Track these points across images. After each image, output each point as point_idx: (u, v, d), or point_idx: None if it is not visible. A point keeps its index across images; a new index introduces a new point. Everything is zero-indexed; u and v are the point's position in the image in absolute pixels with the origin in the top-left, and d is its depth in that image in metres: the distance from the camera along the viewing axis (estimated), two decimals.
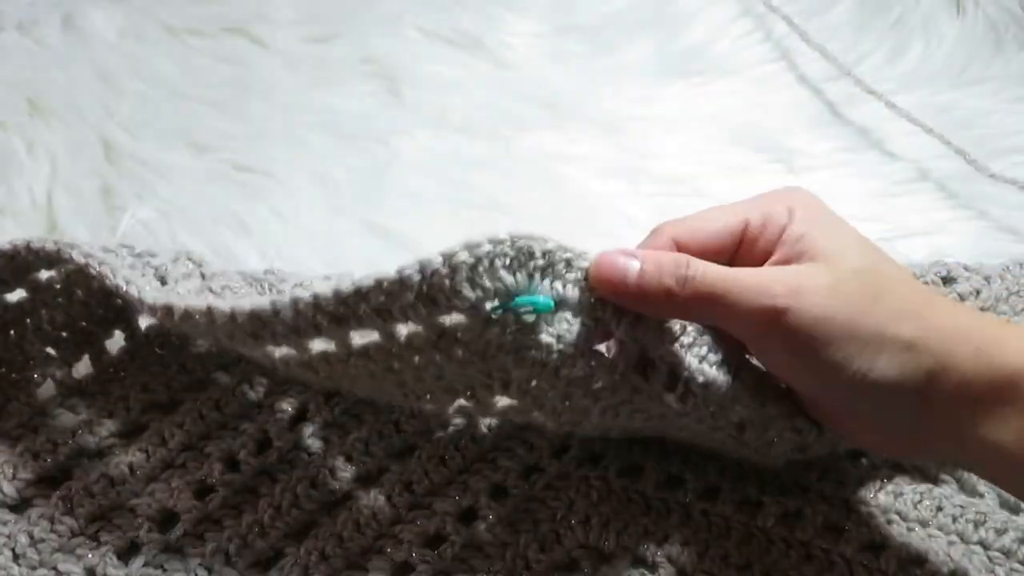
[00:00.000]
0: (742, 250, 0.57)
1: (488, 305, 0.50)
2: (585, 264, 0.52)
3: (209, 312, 0.52)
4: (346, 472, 0.65)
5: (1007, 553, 0.64)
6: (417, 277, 0.49)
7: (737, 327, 0.53)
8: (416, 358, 0.53)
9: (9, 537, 0.61)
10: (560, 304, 0.52)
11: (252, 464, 0.64)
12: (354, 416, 0.67)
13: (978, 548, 0.64)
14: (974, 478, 0.67)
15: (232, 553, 0.62)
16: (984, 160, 0.87)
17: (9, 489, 0.62)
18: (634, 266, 0.51)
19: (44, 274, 0.65)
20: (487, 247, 0.49)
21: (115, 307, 0.67)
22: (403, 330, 0.51)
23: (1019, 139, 0.90)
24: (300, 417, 0.67)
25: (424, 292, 0.49)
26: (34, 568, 0.60)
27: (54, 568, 0.60)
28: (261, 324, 0.51)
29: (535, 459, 0.66)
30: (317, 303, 0.50)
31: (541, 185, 0.84)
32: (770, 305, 0.51)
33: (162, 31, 0.92)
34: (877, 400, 0.53)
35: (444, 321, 0.51)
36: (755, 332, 0.53)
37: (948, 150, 0.87)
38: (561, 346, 0.52)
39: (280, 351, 0.53)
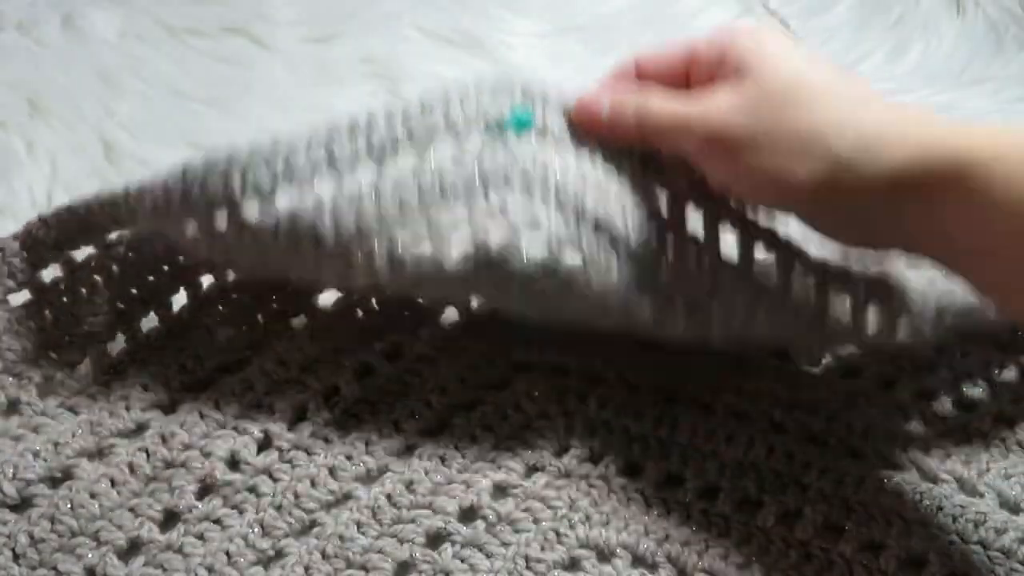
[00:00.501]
0: (692, 75, 0.62)
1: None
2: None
3: None
4: (347, 471, 0.65)
5: (1007, 553, 0.64)
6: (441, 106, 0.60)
7: (683, 151, 0.60)
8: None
9: (9, 537, 0.61)
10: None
11: (253, 463, 0.64)
12: (354, 416, 0.67)
13: (978, 548, 0.64)
14: (974, 478, 0.67)
15: (234, 552, 0.62)
16: None
17: (10, 489, 0.62)
18: (605, 103, 0.61)
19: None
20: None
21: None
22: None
23: None
24: (300, 417, 0.67)
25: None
26: (34, 568, 0.60)
27: (54, 568, 0.60)
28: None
29: (536, 458, 0.66)
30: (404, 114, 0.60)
31: None
32: (685, 127, 0.58)
33: (162, 31, 0.92)
34: (816, 201, 0.56)
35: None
36: (693, 155, 0.59)
37: None
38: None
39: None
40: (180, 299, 0.72)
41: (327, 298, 0.73)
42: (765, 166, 0.56)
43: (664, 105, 0.59)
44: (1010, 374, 0.72)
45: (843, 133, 0.54)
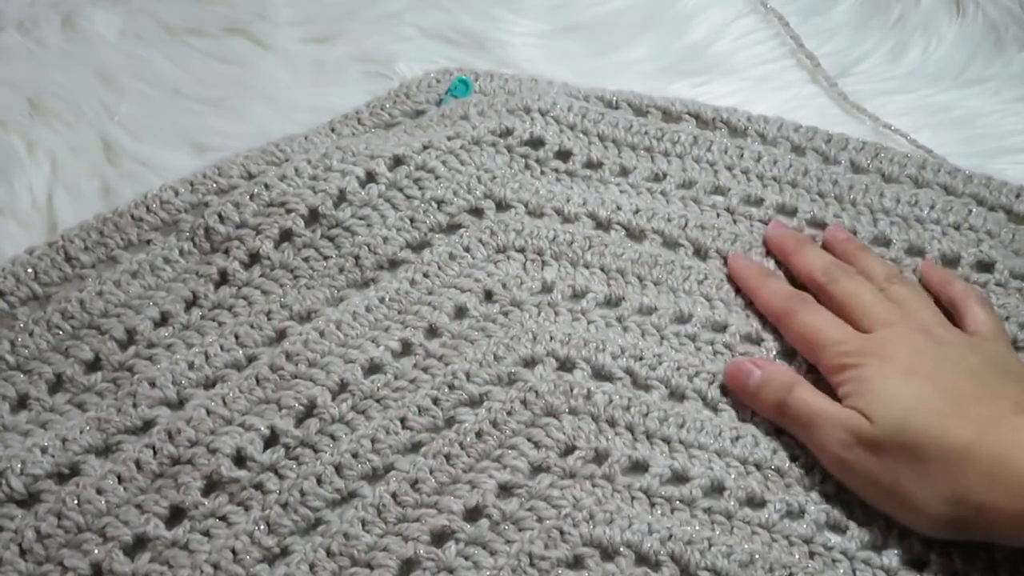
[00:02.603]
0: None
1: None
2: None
3: None
4: (353, 469, 0.65)
5: (1008, 557, 0.64)
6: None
7: (816, 451, 0.66)
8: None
9: (16, 532, 0.61)
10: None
11: (259, 460, 0.64)
12: (361, 412, 0.67)
13: (979, 551, 0.64)
14: None
15: (239, 550, 0.62)
16: (984, 160, 0.87)
17: (17, 484, 0.62)
18: (756, 374, 0.68)
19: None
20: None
21: None
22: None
23: (1019, 139, 0.90)
24: (307, 413, 0.67)
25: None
26: (40, 563, 0.60)
27: (60, 564, 0.60)
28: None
29: (541, 458, 0.66)
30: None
31: None
32: (828, 445, 0.64)
33: (162, 31, 0.92)
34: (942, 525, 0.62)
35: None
36: (827, 463, 0.66)
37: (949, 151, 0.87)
38: None
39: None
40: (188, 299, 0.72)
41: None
42: (898, 491, 0.62)
43: (808, 399, 0.66)
44: None
45: (969, 485, 0.59)
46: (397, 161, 0.77)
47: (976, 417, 0.60)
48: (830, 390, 0.67)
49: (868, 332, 0.68)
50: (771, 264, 0.77)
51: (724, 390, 0.70)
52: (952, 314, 0.72)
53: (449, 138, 0.79)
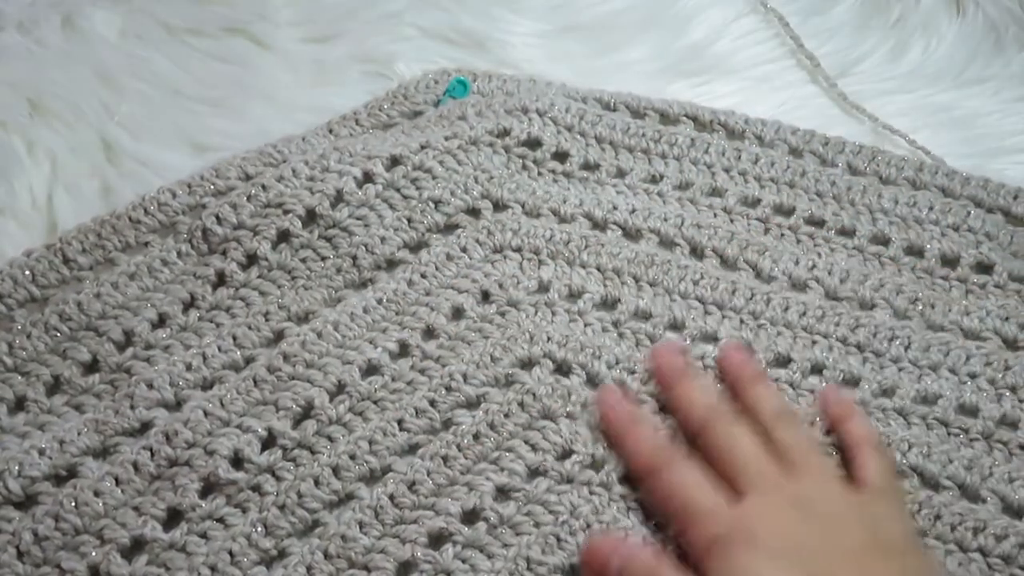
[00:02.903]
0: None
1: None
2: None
3: None
4: (350, 471, 0.65)
5: (1007, 559, 0.64)
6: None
7: None
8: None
9: (13, 534, 0.61)
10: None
11: (256, 462, 0.64)
12: (358, 414, 0.67)
13: (977, 555, 0.64)
14: (977, 482, 0.67)
15: (236, 552, 0.62)
16: (984, 160, 0.87)
17: (14, 486, 0.62)
18: (614, 562, 0.60)
19: None
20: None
21: None
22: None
23: (1019, 139, 0.90)
24: (304, 415, 0.67)
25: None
26: (38, 566, 0.60)
27: (58, 566, 0.60)
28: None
29: (538, 461, 0.66)
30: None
31: None
32: None
33: (162, 31, 0.92)
34: None
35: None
36: None
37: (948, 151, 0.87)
38: None
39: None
40: (186, 300, 0.72)
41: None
42: None
43: None
44: (1013, 375, 0.72)
45: None
46: (394, 161, 0.77)
47: None
48: None
49: (741, 493, 0.61)
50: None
51: None
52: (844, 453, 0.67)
53: (447, 138, 0.79)
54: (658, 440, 0.66)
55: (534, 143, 0.81)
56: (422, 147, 0.78)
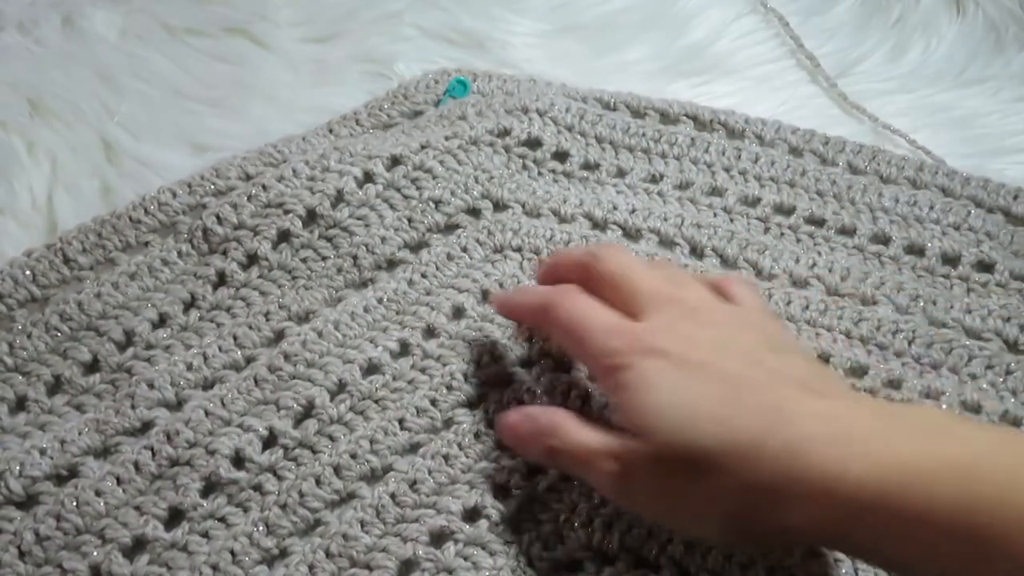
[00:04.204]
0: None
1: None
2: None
3: None
4: (352, 470, 0.65)
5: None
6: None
7: (597, 490, 0.62)
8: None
9: (15, 534, 0.61)
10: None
11: (258, 461, 0.64)
12: (359, 413, 0.67)
13: None
14: None
15: (238, 551, 0.62)
16: (984, 160, 0.87)
17: (16, 486, 0.62)
18: (523, 426, 0.62)
19: None
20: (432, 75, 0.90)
21: None
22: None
23: (1019, 139, 0.90)
24: (305, 414, 0.67)
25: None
26: (39, 565, 0.60)
27: (59, 566, 0.60)
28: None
29: None
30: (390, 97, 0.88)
31: None
32: (603, 480, 0.57)
33: (162, 31, 0.92)
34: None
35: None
36: (612, 499, 0.62)
37: (948, 151, 0.88)
38: None
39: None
40: (187, 300, 0.72)
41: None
42: (686, 506, 0.56)
43: (575, 438, 0.59)
44: (1015, 380, 0.71)
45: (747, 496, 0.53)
46: (395, 161, 0.77)
47: (759, 408, 0.54)
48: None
49: (637, 315, 0.60)
50: None
51: None
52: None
53: (447, 138, 0.79)
54: (546, 288, 0.66)
55: (534, 143, 0.81)
56: (422, 147, 0.78)
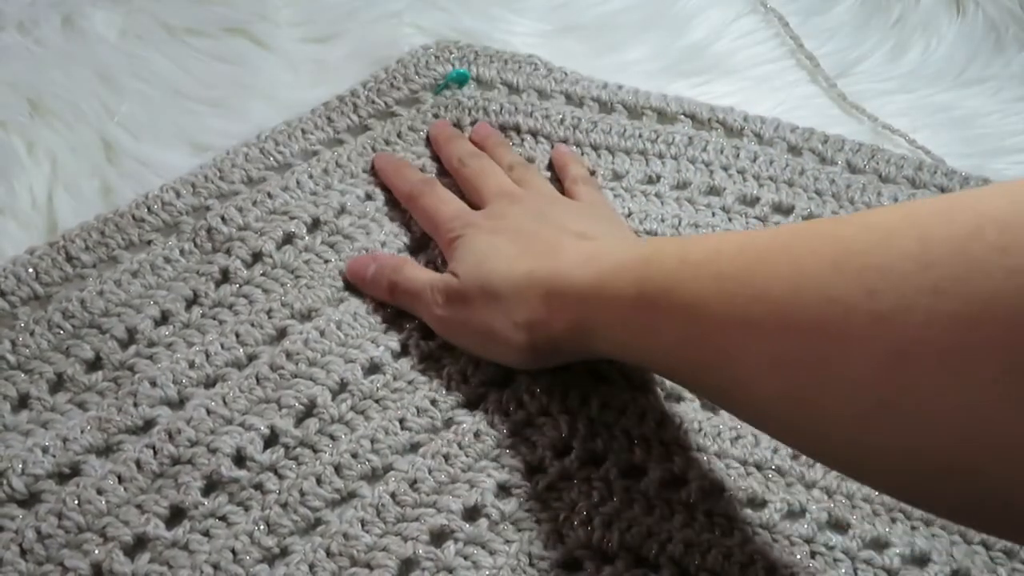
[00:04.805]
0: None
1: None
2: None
3: None
4: (352, 469, 0.65)
5: (1009, 554, 0.64)
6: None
7: (423, 318, 0.73)
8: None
9: (17, 532, 0.61)
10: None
11: (259, 460, 0.64)
12: (360, 412, 0.67)
13: (980, 548, 0.65)
14: None
15: (239, 550, 0.62)
16: (984, 160, 0.87)
17: (18, 484, 0.62)
18: (371, 266, 0.74)
19: None
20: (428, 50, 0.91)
21: None
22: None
23: (1019, 139, 0.90)
24: (307, 413, 0.67)
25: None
26: (41, 564, 0.60)
27: (61, 564, 0.60)
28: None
29: (538, 459, 0.66)
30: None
31: None
32: (430, 311, 0.71)
33: (162, 31, 0.92)
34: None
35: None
36: (433, 326, 0.72)
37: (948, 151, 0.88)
38: None
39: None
40: (189, 298, 0.73)
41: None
42: (488, 332, 0.68)
43: (412, 275, 0.73)
44: None
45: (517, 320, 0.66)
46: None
47: (536, 251, 0.68)
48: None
49: (484, 206, 0.77)
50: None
51: None
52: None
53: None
54: (419, 175, 0.81)
55: (528, 160, 0.83)
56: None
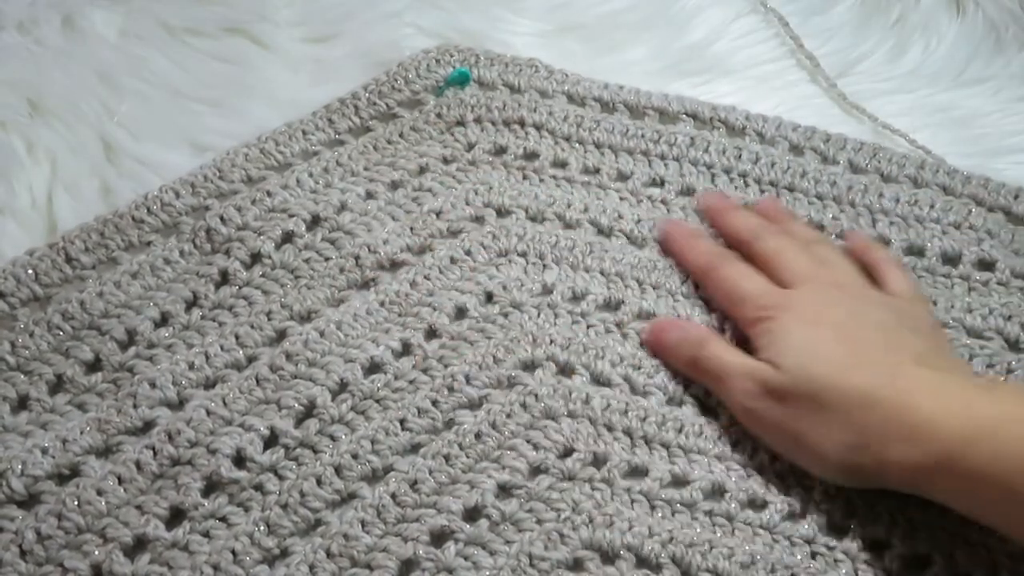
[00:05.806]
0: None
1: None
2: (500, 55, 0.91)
3: None
4: (353, 470, 0.65)
5: (1011, 556, 0.64)
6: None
7: (727, 403, 0.69)
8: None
9: (16, 533, 0.61)
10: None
11: (259, 461, 0.64)
12: (360, 413, 0.67)
13: (982, 551, 0.64)
14: None
15: (239, 551, 0.62)
16: (984, 160, 0.87)
17: (17, 485, 0.62)
18: (673, 333, 0.71)
19: None
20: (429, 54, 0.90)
21: None
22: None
23: (1019, 139, 0.90)
24: (307, 414, 0.67)
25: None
26: (40, 565, 0.60)
27: (60, 565, 0.60)
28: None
29: (540, 459, 0.66)
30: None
31: None
32: (737, 397, 0.67)
33: (162, 31, 0.91)
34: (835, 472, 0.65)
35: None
36: (737, 414, 0.68)
37: (948, 151, 0.87)
38: None
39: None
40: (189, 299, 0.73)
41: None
42: (803, 439, 0.64)
43: (719, 353, 0.69)
44: (1015, 379, 0.71)
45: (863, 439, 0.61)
46: (395, 184, 0.79)
47: (876, 366, 0.63)
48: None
49: (788, 287, 0.71)
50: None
51: None
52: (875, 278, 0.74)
53: (446, 160, 0.81)
54: (714, 246, 0.77)
55: (531, 155, 0.82)
56: (421, 170, 0.81)
